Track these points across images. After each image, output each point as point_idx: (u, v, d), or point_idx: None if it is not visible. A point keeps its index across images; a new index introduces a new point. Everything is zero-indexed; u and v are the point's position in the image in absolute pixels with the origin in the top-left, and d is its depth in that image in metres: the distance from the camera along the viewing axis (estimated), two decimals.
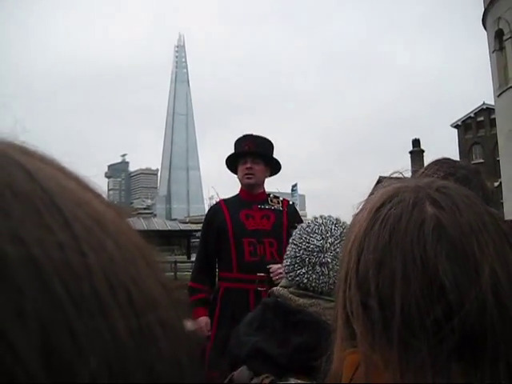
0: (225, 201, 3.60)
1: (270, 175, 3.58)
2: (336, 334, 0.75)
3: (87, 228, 0.27)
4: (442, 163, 1.76)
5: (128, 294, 0.27)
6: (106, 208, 0.31)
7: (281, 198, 3.60)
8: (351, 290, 0.71)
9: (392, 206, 0.71)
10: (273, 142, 3.57)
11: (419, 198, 0.70)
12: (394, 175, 0.86)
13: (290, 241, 1.76)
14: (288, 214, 3.41)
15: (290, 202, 3.62)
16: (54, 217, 0.26)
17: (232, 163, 3.55)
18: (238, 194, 3.58)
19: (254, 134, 3.53)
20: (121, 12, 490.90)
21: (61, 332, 0.23)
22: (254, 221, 3.38)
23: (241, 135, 3.53)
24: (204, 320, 3.36)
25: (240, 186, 3.54)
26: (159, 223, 49.27)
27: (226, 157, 3.55)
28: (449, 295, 0.63)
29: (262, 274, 3.17)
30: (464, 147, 41.13)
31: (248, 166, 3.41)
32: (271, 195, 3.56)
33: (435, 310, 0.62)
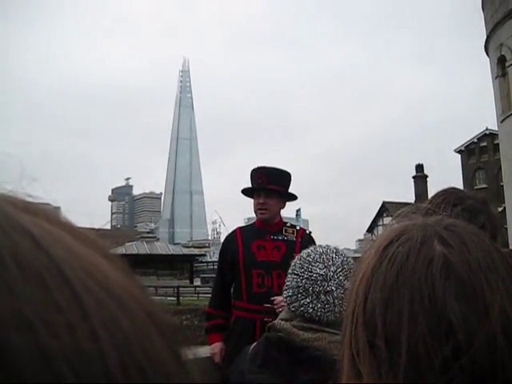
0: (241, 229, 3.64)
1: (287, 201, 3.58)
2: (342, 373, 0.74)
3: (98, 301, 0.26)
4: (450, 193, 1.75)
5: (143, 373, 0.25)
6: (114, 271, 0.29)
7: (297, 227, 3.58)
8: (358, 328, 0.70)
9: (400, 244, 0.70)
10: (289, 172, 3.57)
11: (427, 236, 0.70)
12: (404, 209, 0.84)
13: (290, 271, 1.73)
14: (301, 245, 3.36)
15: (307, 231, 3.61)
16: (62, 291, 0.24)
17: (249, 192, 3.57)
18: (254, 223, 3.61)
19: (268, 166, 3.52)
20: (125, 36, 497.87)
21: None
22: (266, 252, 3.40)
23: (256, 167, 3.52)
24: (218, 346, 3.44)
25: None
26: (162, 247, 49.23)
27: (241, 189, 3.57)
28: (457, 334, 0.62)
29: (269, 306, 3.19)
30: (467, 172, 41.14)
31: (261, 201, 3.41)
32: (288, 224, 3.56)
33: (443, 349, 0.61)
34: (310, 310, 1.63)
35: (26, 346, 0.22)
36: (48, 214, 0.30)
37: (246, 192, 3.56)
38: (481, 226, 1.67)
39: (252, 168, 3.54)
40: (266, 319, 3.15)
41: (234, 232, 3.65)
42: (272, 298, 3.17)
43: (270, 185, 3.41)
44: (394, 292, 0.67)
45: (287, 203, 3.62)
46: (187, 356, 0.30)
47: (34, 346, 0.22)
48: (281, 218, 3.55)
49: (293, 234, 3.50)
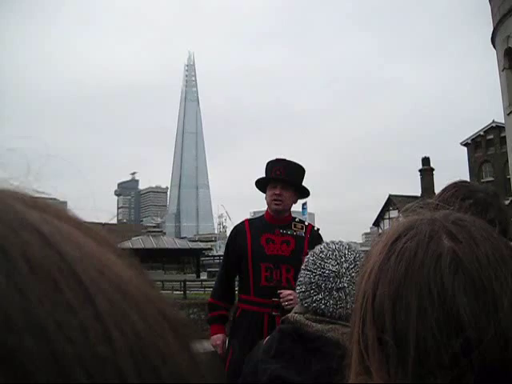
0: (249, 221, 3.64)
1: (299, 198, 3.59)
2: (350, 369, 0.74)
3: (110, 301, 0.25)
4: (460, 186, 1.76)
5: (157, 374, 0.25)
6: (127, 269, 0.29)
7: (306, 223, 3.61)
8: (366, 324, 0.70)
9: (408, 239, 0.70)
10: (303, 167, 3.59)
11: (435, 230, 0.70)
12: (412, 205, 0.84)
13: (303, 267, 1.74)
14: (309, 241, 3.39)
15: (315, 228, 3.61)
16: (74, 291, 0.24)
17: (262, 183, 3.57)
18: (263, 216, 3.60)
19: (286, 159, 3.53)
20: (130, 30, 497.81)
21: None
22: (274, 246, 3.41)
23: (273, 158, 3.54)
24: (221, 337, 3.47)
25: (267, 207, 3.56)
26: (168, 241, 49.32)
27: (257, 179, 3.58)
28: (467, 330, 0.61)
29: (277, 300, 3.21)
30: (474, 165, 40.99)
31: (277, 192, 3.41)
32: (296, 219, 3.57)
33: (453, 345, 0.61)
34: (323, 306, 1.65)
35: (38, 349, 0.22)
36: (57, 210, 0.29)
37: (260, 183, 3.56)
38: (491, 219, 1.67)
39: (269, 160, 3.54)
40: (274, 313, 3.20)
41: (242, 224, 3.63)
42: (278, 292, 3.18)
43: (287, 177, 3.43)
44: (402, 287, 0.66)
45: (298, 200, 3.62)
46: (199, 352, 0.29)
47: (46, 350, 0.22)
48: (290, 213, 3.56)
49: (302, 229, 3.51)
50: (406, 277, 0.67)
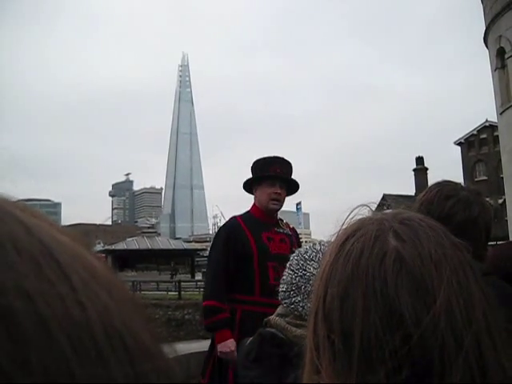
0: (242, 219, 3.44)
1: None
2: (304, 369, 0.76)
3: (83, 280, 0.29)
4: (443, 185, 1.78)
5: (123, 342, 0.28)
6: (97, 261, 0.32)
7: (284, 221, 3.56)
8: (318, 322, 0.72)
9: (355, 240, 0.72)
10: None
11: (382, 230, 0.72)
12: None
13: (287, 265, 1.74)
14: (296, 239, 3.41)
15: (291, 226, 3.62)
16: (53, 270, 0.28)
17: (250, 183, 3.46)
18: (251, 213, 3.47)
19: (282, 157, 3.46)
20: (124, 32, 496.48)
21: (63, 379, 0.25)
22: (275, 244, 3.32)
23: (270, 156, 3.44)
24: (234, 343, 3.11)
25: (254, 204, 3.46)
26: (163, 242, 49.17)
27: (249, 176, 3.44)
28: (408, 326, 0.63)
29: None
30: (467, 165, 41.12)
31: (278, 191, 3.33)
32: (279, 218, 3.52)
33: (394, 341, 0.63)
34: (300, 309, 1.64)
35: (27, 311, 0.26)
36: (32, 211, 0.33)
37: (254, 181, 3.44)
38: (475, 216, 1.70)
39: (264, 157, 3.45)
40: None
41: (235, 221, 3.47)
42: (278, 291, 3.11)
43: (287, 175, 3.38)
44: (349, 287, 0.68)
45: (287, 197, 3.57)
46: (158, 333, 0.33)
47: (32, 312, 0.26)
48: None
49: (287, 227, 3.49)
50: (353, 277, 0.69)
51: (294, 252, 3.22)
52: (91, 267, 0.31)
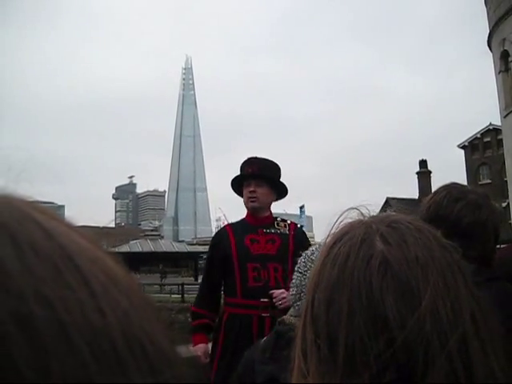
0: (231, 225, 3.58)
1: (278, 198, 3.54)
2: (292, 373, 0.75)
3: (103, 285, 0.29)
4: (452, 188, 1.77)
5: (144, 350, 0.28)
6: (116, 265, 0.32)
7: (288, 222, 3.55)
8: (306, 327, 0.72)
9: (342, 244, 0.72)
10: (279, 165, 3.55)
11: (368, 234, 0.71)
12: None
13: (296, 269, 1.74)
14: (295, 238, 3.37)
15: (298, 225, 3.59)
16: (73, 274, 0.28)
17: (238, 186, 3.52)
18: (244, 218, 3.53)
19: (259, 156, 3.51)
20: (129, 36, 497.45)
21: None
22: (259, 245, 3.33)
23: (246, 158, 3.52)
24: (202, 348, 3.32)
25: (246, 209, 3.51)
26: (166, 245, 49.28)
27: (231, 179, 3.53)
28: (392, 330, 0.63)
29: (266, 300, 3.13)
30: (471, 168, 41.06)
31: (251, 189, 3.38)
32: (278, 219, 3.52)
33: (378, 344, 0.62)
34: None
35: (46, 318, 0.25)
36: (52, 213, 0.33)
37: (235, 185, 3.51)
38: (484, 219, 1.69)
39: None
40: (263, 314, 3.12)
41: (223, 228, 3.63)
42: (270, 292, 3.10)
43: (259, 172, 3.40)
44: (335, 291, 0.68)
45: (282, 201, 3.59)
46: (175, 338, 0.33)
47: (52, 319, 0.26)
48: (271, 213, 3.52)
49: (285, 227, 3.46)
50: (339, 281, 0.68)
51: (281, 251, 3.30)
52: (111, 272, 0.31)
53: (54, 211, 0.34)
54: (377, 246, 0.69)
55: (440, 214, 1.66)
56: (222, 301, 3.51)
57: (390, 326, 0.63)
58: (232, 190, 3.57)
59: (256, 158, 3.49)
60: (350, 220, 0.78)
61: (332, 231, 0.78)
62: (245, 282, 3.26)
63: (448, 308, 0.65)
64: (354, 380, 0.63)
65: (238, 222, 3.58)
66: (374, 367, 0.62)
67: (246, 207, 3.47)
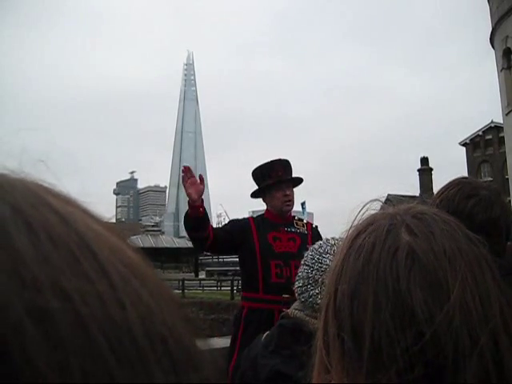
0: (254, 219, 3.61)
1: None
2: (313, 368, 0.74)
3: (123, 276, 0.27)
4: (464, 183, 1.75)
5: (166, 347, 0.27)
6: (135, 255, 0.30)
7: (305, 221, 3.64)
8: (329, 320, 0.70)
9: (367, 235, 0.70)
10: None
11: (394, 225, 0.70)
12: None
13: (302, 262, 1.75)
14: (313, 238, 3.41)
15: (313, 225, 3.65)
16: (91, 264, 0.26)
17: (258, 192, 3.54)
18: (263, 215, 3.60)
19: (280, 158, 3.54)
20: (131, 33, 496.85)
21: (102, 382, 0.24)
22: (282, 243, 3.41)
23: (268, 161, 3.51)
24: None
25: (266, 209, 3.56)
26: (167, 240, 49.35)
27: (261, 185, 3.51)
28: (420, 324, 0.61)
29: (288, 296, 3.16)
30: (472, 165, 40.94)
31: (288, 193, 3.44)
32: (296, 217, 3.60)
33: (406, 338, 0.61)
34: (319, 301, 1.63)
35: (64, 312, 0.24)
36: (66, 197, 0.31)
37: (263, 189, 3.50)
38: (496, 217, 1.67)
39: (261, 164, 3.51)
40: (284, 310, 3.15)
41: (247, 219, 3.64)
42: (294, 288, 3.12)
43: (290, 175, 3.47)
44: (359, 284, 0.67)
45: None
46: (197, 331, 0.31)
47: (70, 312, 0.24)
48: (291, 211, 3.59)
49: (303, 226, 3.55)
50: (364, 273, 0.67)
51: (302, 250, 3.28)
52: (130, 262, 0.29)
53: (69, 195, 0.32)
54: (403, 237, 0.67)
55: (451, 210, 1.61)
56: (240, 297, 3.57)
57: (417, 320, 0.61)
58: (253, 195, 3.59)
59: (280, 160, 3.53)
60: (372, 211, 0.77)
61: (354, 223, 0.76)
62: (267, 278, 3.32)
63: (477, 302, 0.63)
64: (380, 375, 0.61)
65: (259, 218, 3.63)
66: (401, 361, 0.60)
67: (278, 210, 3.49)
